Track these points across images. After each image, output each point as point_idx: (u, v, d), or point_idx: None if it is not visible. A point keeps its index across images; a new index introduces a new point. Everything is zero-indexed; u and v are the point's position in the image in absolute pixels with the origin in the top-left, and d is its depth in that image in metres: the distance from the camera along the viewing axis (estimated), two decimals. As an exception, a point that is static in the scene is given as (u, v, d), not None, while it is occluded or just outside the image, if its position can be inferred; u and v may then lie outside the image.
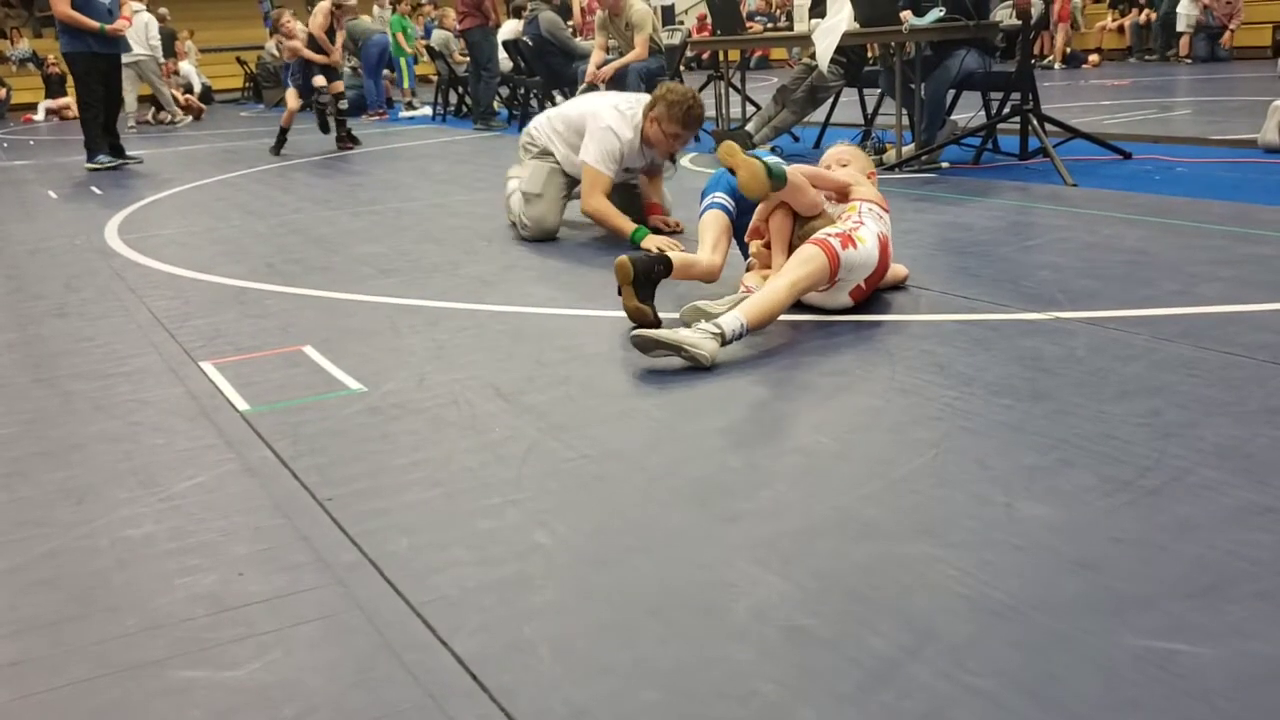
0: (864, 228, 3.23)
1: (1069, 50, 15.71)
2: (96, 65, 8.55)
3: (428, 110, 14.08)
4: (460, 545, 1.96)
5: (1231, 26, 14.31)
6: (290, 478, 2.32)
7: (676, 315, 3.19)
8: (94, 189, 7.99)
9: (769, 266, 3.37)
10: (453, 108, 13.43)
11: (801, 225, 3.32)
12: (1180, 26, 14.62)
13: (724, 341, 2.87)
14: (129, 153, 9.29)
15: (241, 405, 2.80)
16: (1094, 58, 15.56)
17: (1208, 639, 1.53)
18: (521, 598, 1.76)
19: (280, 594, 1.82)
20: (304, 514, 2.13)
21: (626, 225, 4.45)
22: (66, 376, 3.19)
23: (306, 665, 1.62)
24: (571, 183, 4.94)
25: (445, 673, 1.57)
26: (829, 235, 3.17)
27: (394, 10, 16.05)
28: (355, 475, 2.31)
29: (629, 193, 4.89)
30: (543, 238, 4.85)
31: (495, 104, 11.83)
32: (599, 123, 4.59)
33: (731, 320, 2.90)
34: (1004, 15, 6.30)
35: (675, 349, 2.84)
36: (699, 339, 2.84)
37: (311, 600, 1.80)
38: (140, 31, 13.01)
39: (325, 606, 1.78)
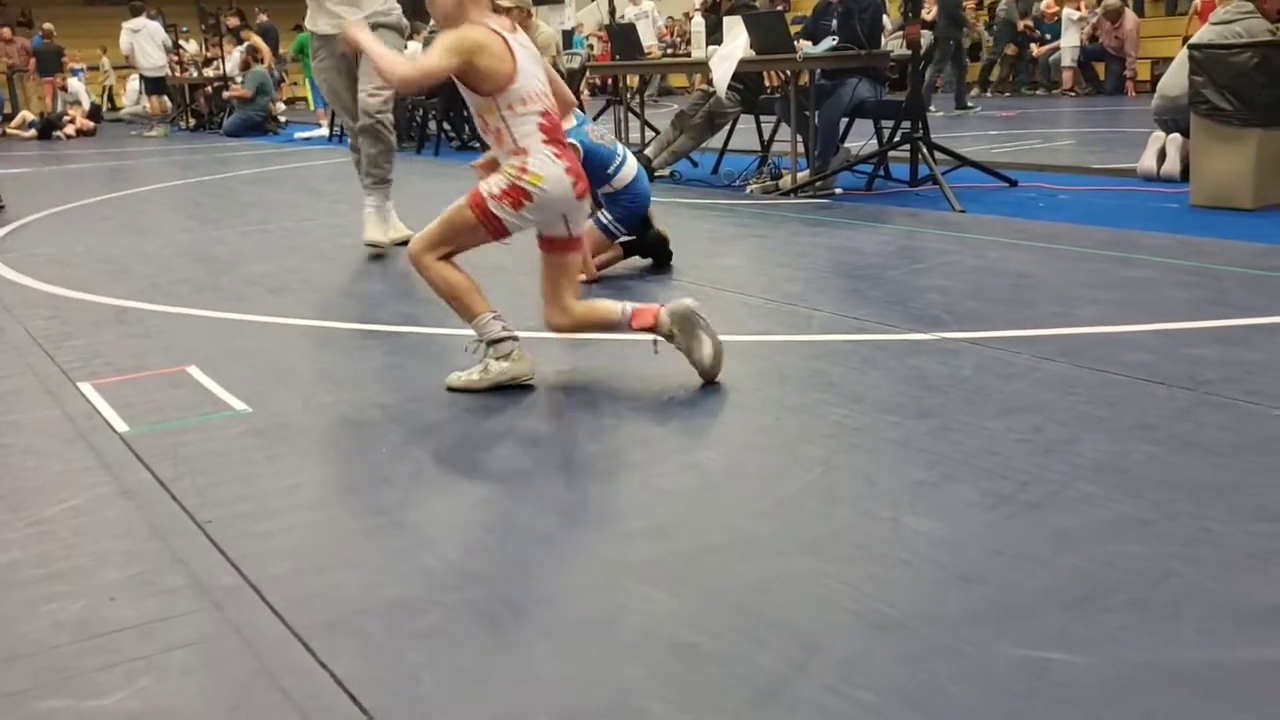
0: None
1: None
2: None
3: (323, 131, 13.89)
4: (344, 568, 1.91)
5: (1130, 62, 14.21)
6: (169, 500, 2.24)
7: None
8: (-30, 206, 7.70)
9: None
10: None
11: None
12: (1065, 61, 15.10)
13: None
14: None
15: (120, 426, 2.71)
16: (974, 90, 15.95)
17: (1085, 648, 1.56)
18: (405, 621, 1.72)
19: (153, 619, 1.75)
20: (182, 537, 2.06)
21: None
22: (-68, 398, 3.05)
23: (179, 692, 1.56)
24: None
25: (325, 697, 1.53)
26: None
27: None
28: (237, 497, 2.24)
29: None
30: None
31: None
32: None
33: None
34: (894, 45, 6.46)
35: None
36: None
37: (186, 625, 1.73)
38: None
39: (201, 631, 1.71)
